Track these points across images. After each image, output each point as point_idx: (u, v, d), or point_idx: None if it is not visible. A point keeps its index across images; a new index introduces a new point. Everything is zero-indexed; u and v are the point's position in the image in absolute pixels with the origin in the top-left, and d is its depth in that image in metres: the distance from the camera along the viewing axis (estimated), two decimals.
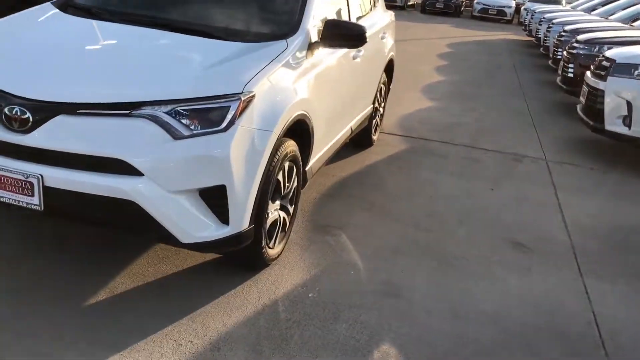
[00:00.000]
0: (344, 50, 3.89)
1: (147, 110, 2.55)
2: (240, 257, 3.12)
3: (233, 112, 2.64)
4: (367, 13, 4.93)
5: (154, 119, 2.54)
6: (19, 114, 2.51)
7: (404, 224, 4.08)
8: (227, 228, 2.72)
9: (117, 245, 3.29)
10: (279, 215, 3.23)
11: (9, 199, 2.57)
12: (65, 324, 2.63)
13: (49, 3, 3.56)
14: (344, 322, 2.91)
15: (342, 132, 4.35)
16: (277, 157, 2.96)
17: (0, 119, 2.55)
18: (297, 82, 3.17)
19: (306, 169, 3.56)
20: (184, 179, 2.57)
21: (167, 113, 2.57)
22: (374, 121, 5.48)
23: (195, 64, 2.86)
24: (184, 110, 2.60)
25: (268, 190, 2.92)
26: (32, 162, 2.52)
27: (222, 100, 2.66)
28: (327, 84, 3.64)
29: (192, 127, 2.59)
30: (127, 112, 2.54)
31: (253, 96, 2.75)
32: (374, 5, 5.25)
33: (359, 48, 4.22)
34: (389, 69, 5.64)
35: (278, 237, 3.27)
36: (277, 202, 3.17)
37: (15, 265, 3.03)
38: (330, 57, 3.68)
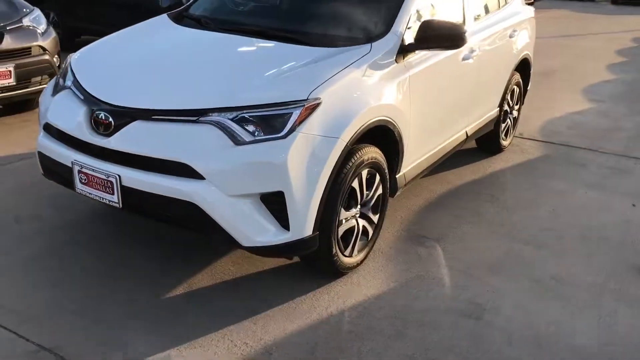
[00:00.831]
0: (450, 52, 3.66)
1: (213, 117, 2.65)
2: (312, 263, 3.11)
3: (294, 119, 2.64)
4: (492, 10, 4.60)
5: (219, 125, 2.63)
6: (104, 118, 2.77)
7: (511, 239, 3.75)
8: (288, 234, 2.73)
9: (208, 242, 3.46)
10: (357, 223, 3.16)
11: (96, 195, 2.84)
12: (140, 313, 2.84)
13: (165, 15, 3.86)
14: (409, 340, 2.76)
15: (452, 138, 4.12)
16: (349, 164, 2.90)
17: (90, 123, 2.82)
18: (378, 87, 3.08)
19: (397, 176, 3.44)
20: (242, 184, 2.63)
21: (232, 119, 2.64)
22: (504, 125, 5.11)
23: (269, 71, 2.90)
24: (249, 116, 2.66)
25: (337, 197, 2.87)
26: (113, 163, 2.76)
27: (285, 106, 2.67)
28: (424, 88, 3.47)
29: (255, 134, 2.64)
30: (195, 118, 2.66)
31: (319, 103, 2.72)
32: (506, 2, 4.88)
33: (472, 48, 4.00)
34: (524, 68, 5.21)
35: (357, 245, 3.20)
36: (354, 210, 3.10)
37: (105, 254, 3.32)
38: (429, 59, 3.50)
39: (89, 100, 2.88)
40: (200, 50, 3.29)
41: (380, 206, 3.34)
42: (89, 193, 2.86)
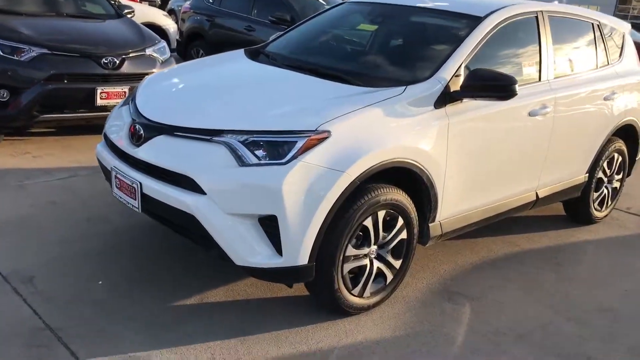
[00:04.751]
0: (508, 104, 3.45)
1: (225, 138, 2.81)
2: (315, 296, 3.09)
3: (298, 147, 2.71)
4: (585, 70, 4.30)
5: (228, 146, 2.78)
6: (138, 130, 3.05)
7: (559, 313, 3.40)
8: (281, 259, 2.76)
9: None
10: (371, 264, 3.09)
11: (124, 200, 3.11)
12: (145, 315, 3.01)
13: (242, 49, 4.15)
14: None
15: (516, 197, 3.87)
16: (361, 201, 2.88)
17: (128, 134, 3.12)
18: (402, 129, 3.03)
19: (430, 224, 3.31)
20: (240, 204, 2.73)
21: (241, 142, 2.78)
22: (597, 194, 4.67)
23: (294, 103, 3.02)
24: (258, 140, 2.78)
25: (342, 232, 2.85)
26: (138, 171, 3.01)
27: (291, 135, 2.75)
28: (470, 138, 3.34)
29: (261, 158, 2.74)
30: (209, 137, 2.84)
31: (327, 136, 2.76)
32: (608, 62, 4.53)
33: (544, 104, 3.78)
34: (628, 135, 4.75)
35: (369, 287, 3.12)
36: (367, 249, 3.04)
37: (142, 259, 3.56)
38: (479, 109, 3.36)
39: (135, 113, 3.20)
40: (248, 81, 3.50)
41: (404, 252, 3.24)
42: (120, 197, 3.15)
